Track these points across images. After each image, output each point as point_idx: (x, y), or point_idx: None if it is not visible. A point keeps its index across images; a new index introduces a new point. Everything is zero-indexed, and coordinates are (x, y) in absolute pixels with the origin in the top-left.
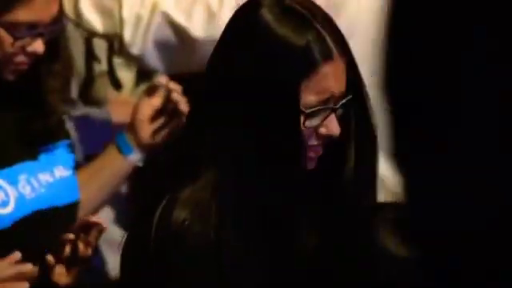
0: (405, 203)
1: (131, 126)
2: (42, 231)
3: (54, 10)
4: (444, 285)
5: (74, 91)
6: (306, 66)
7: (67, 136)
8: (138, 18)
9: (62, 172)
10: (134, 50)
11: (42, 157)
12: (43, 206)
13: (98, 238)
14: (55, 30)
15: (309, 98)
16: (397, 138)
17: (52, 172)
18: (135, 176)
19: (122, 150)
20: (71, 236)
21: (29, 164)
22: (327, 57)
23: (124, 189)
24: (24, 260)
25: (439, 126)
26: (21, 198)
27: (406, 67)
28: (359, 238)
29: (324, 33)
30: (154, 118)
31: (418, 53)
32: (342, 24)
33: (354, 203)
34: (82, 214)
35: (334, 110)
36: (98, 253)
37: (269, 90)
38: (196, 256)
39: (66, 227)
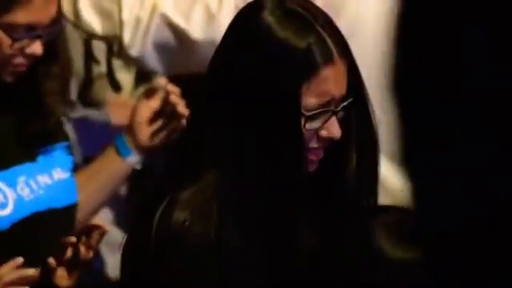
0: (414, 206)
1: (130, 128)
2: (41, 233)
3: (53, 11)
4: (453, 286)
5: (73, 93)
6: (307, 68)
7: (66, 138)
8: (138, 20)
9: (60, 174)
10: (133, 52)
11: (41, 159)
12: (42, 207)
13: (99, 241)
14: (54, 32)
15: (309, 100)
16: (406, 139)
17: (50, 174)
18: (135, 177)
19: (121, 152)
20: (73, 239)
21: (27, 166)
22: (328, 59)
23: (123, 190)
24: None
25: (448, 128)
26: (19, 200)
27: (415, 69)
28: (359, 239)
29: (325, 35)
30: (152, 120)
31: (428, 55)
32: (342, 25)
33: (354, 204)
34: (80, 216)
35: (334, 113)
36: (98, 254)
37: (270, 92)
38: (196, 257)
39: (65, 229)
